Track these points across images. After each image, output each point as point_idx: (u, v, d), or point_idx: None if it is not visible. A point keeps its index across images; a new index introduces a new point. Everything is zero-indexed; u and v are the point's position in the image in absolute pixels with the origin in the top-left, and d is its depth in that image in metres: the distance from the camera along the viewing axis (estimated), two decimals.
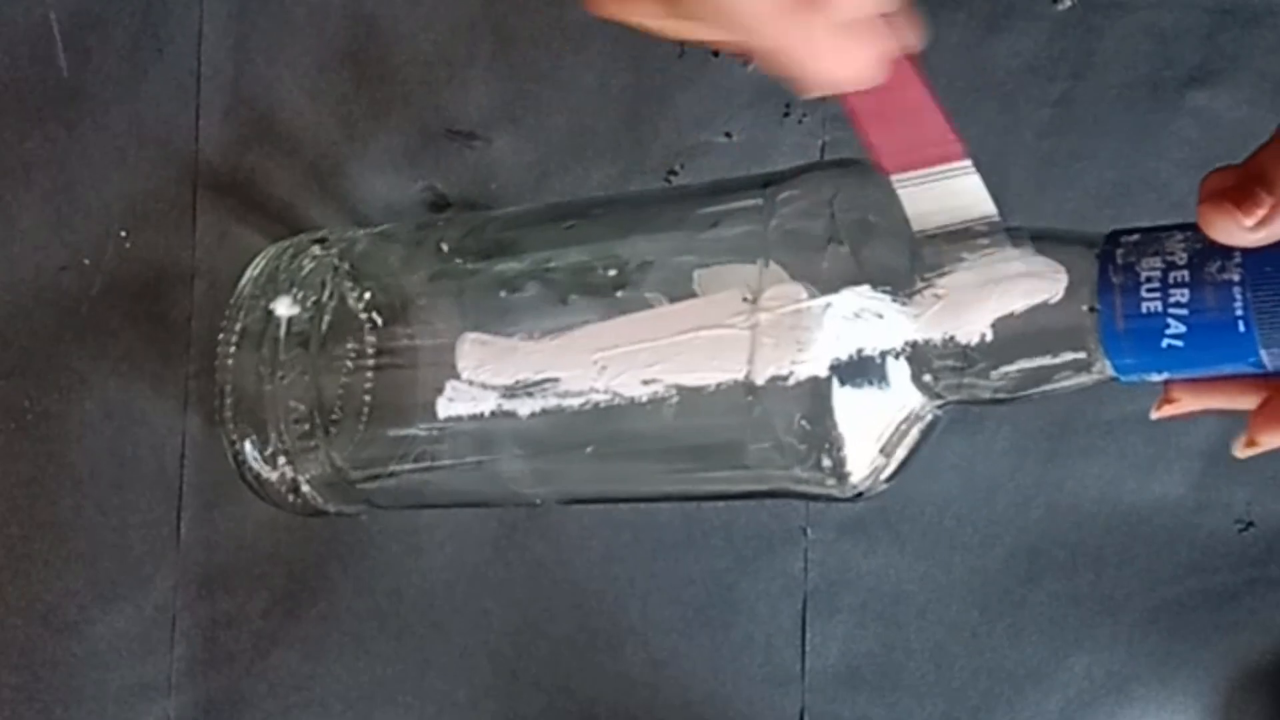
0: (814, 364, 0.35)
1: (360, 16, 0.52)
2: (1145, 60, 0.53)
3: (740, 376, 0.36)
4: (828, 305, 0.35)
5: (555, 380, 0.39)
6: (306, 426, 0.43)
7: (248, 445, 0.44)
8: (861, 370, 0.36)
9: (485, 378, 0.40)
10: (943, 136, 0.33)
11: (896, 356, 0.36)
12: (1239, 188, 0.30)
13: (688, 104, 0.52)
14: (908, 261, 0.35)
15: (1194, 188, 0.37)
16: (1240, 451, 0.33)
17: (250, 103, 0.51)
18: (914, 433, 0.37)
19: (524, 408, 0.40)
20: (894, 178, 0.33)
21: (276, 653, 0.51)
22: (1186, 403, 0.33)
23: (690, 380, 0.37)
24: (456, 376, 0.40)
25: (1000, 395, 0.35)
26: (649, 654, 0.53)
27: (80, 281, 0.50)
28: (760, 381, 0.36)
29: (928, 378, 0.36)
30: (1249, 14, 0.53)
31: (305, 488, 0.45)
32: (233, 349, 0.44)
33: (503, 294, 0.41)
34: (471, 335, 0.40)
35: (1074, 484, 0.54)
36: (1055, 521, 0.54)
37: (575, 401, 0.39)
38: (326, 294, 0.43)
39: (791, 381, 0.36)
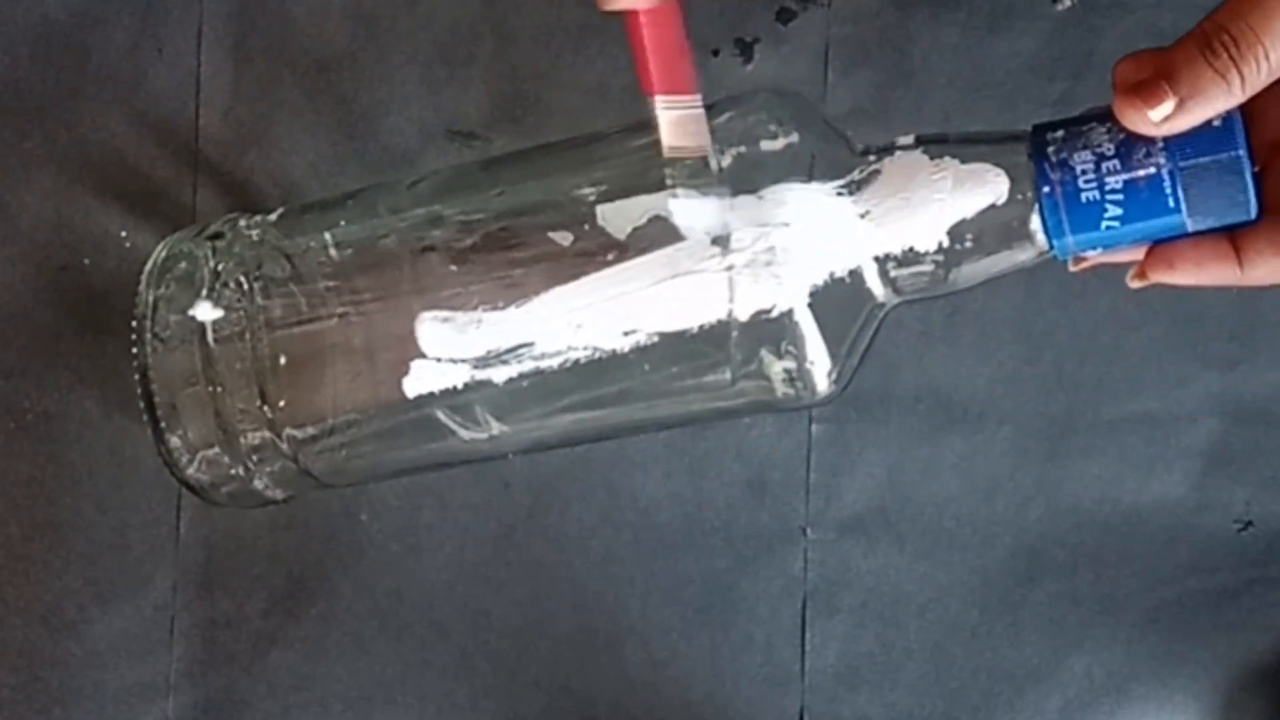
0: (793, 294, 0.37)
1: (360, 16, 0.52)
2: None
3: (723, 316, 0.38)
4: (797, 236, 0.37)
5: (529, 345, 0.39)
6: (249, 413, 0.43)
7: (177, 443, 0.44)
8: (835, 291, 0.38)
9: (454, 353, 0.40)
10: (689, 71, 0.37)
11: (864, 270, 0.38)
12: (1149, 84, 0.34)
13: None
14: (846, 161, 0.38)
15: None
16: (1131, 282, 0.37)
17: (250, 103, 0.51)
18: (871, 329, 0.40)
19: (499, 375, 0.40)
20: (657, 99, 0.37)
21: (276, 653, 0.51)
22: (1159, 276, 0.37)
23: (672, 326, 0.38)
24: (421, 355, 0.40)
25: (952, 284, 0.38)
26: (649, 654, 0.53)
27: (80, 281, 0.50)
28: (744, 319, 0.38)
29: (894, 273, 0.38)
30: None
31: (252, 477, 0.44)
32: (152, 354, 0.44)
33: (422, 249, 0.42)
34: (429, 314, 0.40)
35: (1074, 484, 0.54)
36: (1055, 521, 0.54)
37: (554, 362, 0.39)
38: (243, 283, 0.43)
39: (775, 314, 0.38)
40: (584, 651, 0.53)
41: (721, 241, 0.38)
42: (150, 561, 0.51)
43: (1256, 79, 0.33)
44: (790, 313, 0.38)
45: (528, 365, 0.40)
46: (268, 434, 0.43)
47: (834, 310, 0.38)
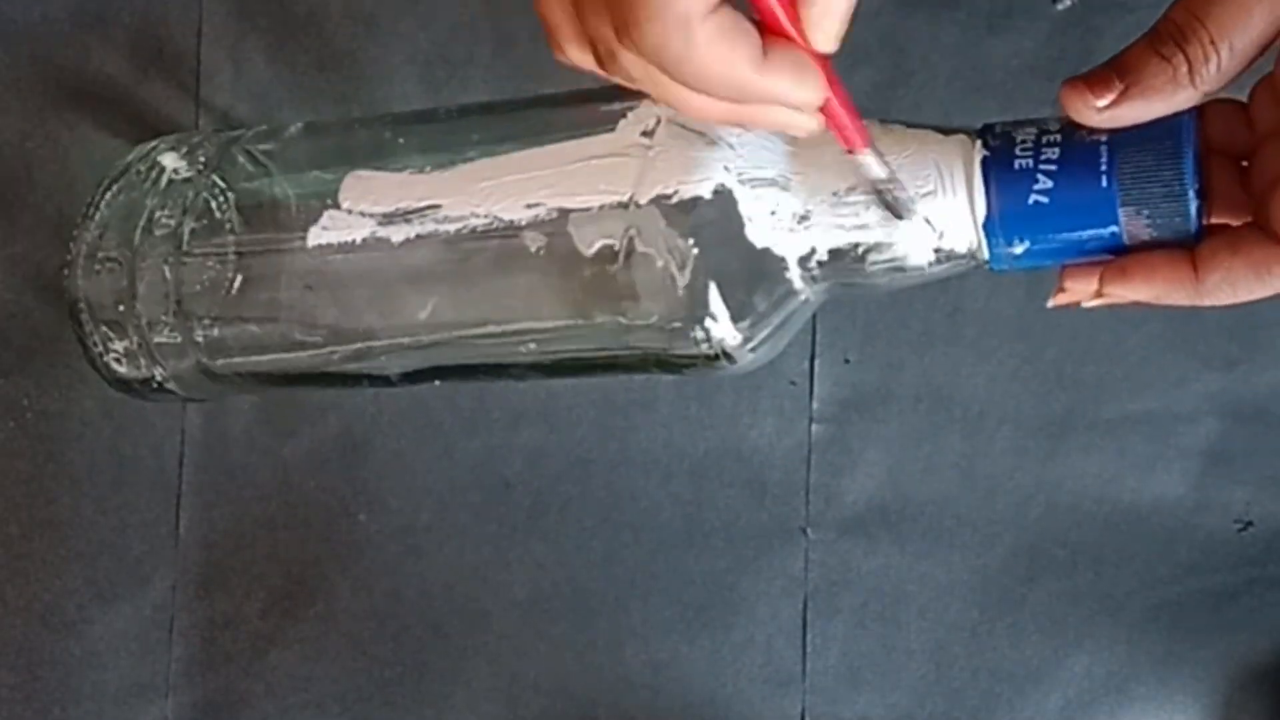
0: (699, 186, 0.37)
1: (360, 16, 0.52)
2: None
3: (624, 198, 0.38)
4: (720, 139, 0.37)
5: (436, 206, 0.40)
6: (171, 313, 0.43)
7: (103, 341, 0.45)
8: (741, 197, 0.37)
9: (367, 206, 0.40)
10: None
11: (772, 184, 0.37)
12: (1096, 73, 0.33)
13: None
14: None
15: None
16: (1088, 301, 0.35)
17: (250, 103, 0.51)
18: (789, 303, 0.38)
19: (398, 234, 0.40)
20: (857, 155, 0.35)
21: (274, 653, 0.51)
22: (1115, 294, 0.35)
23: (575, 203, 0.38)
24: (336, 207, 0.41)
25: (873, 273, 0.37)
26: (649, 655, 0.53)
27: None
28: (643, 201, 0.37)
29: (814, 265, 0.37)
30: None
31: (165, 377, 0.45)
32: (86, 255, 0.44)
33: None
34: (358, 172, 0.41)
35: (1074, 483, 0.54)
36: (1055, 521, 0.54)
37: (452, 227, 0.39)
38: (203, 180, 0.44)
39: (675, 200, 0.37)
40: (584, 652, 0.53)
41: (649, 134, 0.38)
42: (150, 561, 0.51)
43: (1205, 69, 0.31)
44: (693, 203, 0.37)
45: (428, 227, 0.40)
46: (177, 335, 0.43)
47: (744, 223, 0.37)
